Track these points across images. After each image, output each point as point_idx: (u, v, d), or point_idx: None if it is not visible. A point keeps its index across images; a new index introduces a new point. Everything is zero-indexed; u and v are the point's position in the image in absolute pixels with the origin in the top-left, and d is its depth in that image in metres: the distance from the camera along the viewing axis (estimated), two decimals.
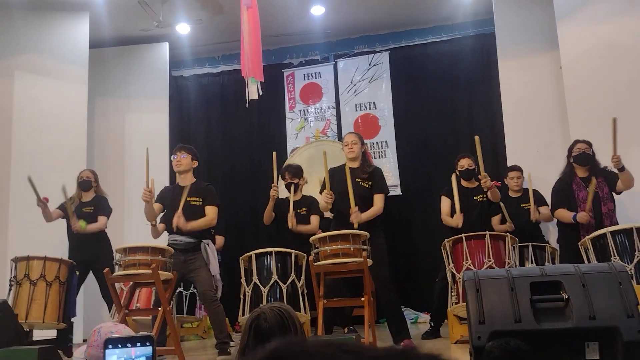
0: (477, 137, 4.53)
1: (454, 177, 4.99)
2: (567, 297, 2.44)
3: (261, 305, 1.96)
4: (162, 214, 4.70)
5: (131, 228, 6.53)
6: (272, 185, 5.12)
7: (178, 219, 4.40)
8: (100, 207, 5.50)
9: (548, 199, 5.37)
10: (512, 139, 6.29)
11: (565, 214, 4.73)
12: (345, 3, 6.82)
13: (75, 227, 5.22)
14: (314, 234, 5.11)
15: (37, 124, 6.36)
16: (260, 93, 3.89)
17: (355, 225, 4.41)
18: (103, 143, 7.13)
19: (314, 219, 5.15)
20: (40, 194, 5.19)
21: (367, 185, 4.72)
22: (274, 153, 5.20)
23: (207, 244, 4.56)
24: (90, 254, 5.24)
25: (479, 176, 4.71)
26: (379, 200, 4.67)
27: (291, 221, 4.88)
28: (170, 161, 4.88)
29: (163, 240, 4.75)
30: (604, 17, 5.65)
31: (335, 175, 4.69)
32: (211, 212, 4.57)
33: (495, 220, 5.27)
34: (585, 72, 5.64)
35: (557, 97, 6.12)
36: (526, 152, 6.12)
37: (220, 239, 6.33)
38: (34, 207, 5.39)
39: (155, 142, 7.02)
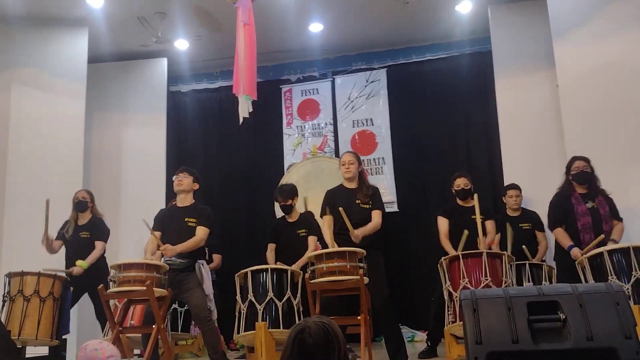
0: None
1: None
2: (564, 317, 2.42)
3: (305, 318, 1.92)
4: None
5: (127, 244, 6.49)
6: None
7: (165, 250, 4.37)
8: (97, 231, 5.44)
9: (543, 216, 5.37)
10: (508, 157, 6.29)
11: (563, 239, 4.62)
12: (343, 20, 6.86)
13: (76, 271, 5.15)
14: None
15: (33, 137, 6.35)
16: (251, 110, 3.88)
17: (357, 241, 4.38)
18: (99, 157, 7.12)
19: (312, 241, 5.12)
20: (38, 214, 5.16)
21: (367, 207, 4.70)
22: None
23: (202, 264, 4.53)
24: (85, 272, 5.19)
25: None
26: (376, 215, 4.66)
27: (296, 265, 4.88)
28: (168, 179, 4.87)
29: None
30: (600, 37, 5.68)
31: (334, 195, 4.68)
32: (200, 232, 4.53)
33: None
34: (582, 90, 5.66)
35: (553, 115, 6.13)
36: (523, 169, 6.12)
37: (217, 258, 6.30)
38: (29, 223, 5.38)
39: (152, 157, 7.04)
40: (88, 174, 6.77)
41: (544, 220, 5.32)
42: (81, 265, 5.17)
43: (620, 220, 4.67)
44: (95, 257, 5.30)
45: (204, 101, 8.04)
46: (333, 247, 4.33)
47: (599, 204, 4.61)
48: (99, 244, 5.39)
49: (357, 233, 4.41)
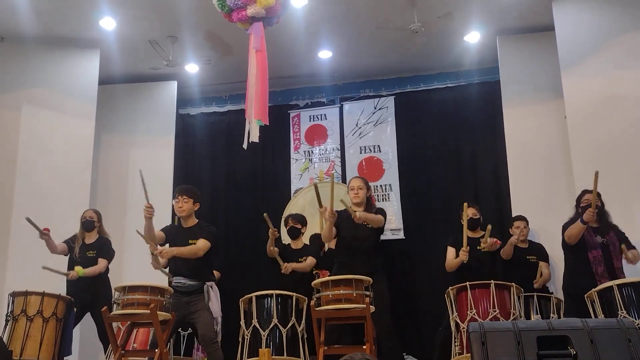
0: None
1: (465, 221, 4.95)
2: (575, 352, 2.38)
3: (350, 354, 1.93)
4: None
5: (131, 266, 6.47)
6: (268, 247, 5.09)
7: (161, 254, 4.36)
8: (103, 251, 5.45)
9: (550, 250, 5.34)
10: (516, 187, 6.27)
11: (574, 225, 4.58)
12: (352, 48, 6.92)
13: (72, 276, 5.14)
14: (308, 272, 5.10)
15: (42, 157, 6.38)
16: (258, 135, 3.91)
17: (359, 215, 4.41)
18: (107, 178, 7.14)
19: (309, 259, 5.14)
20: (42, 227, 5.16)
21: (372, 227, 4.71)
22: (265, 215, 5.18)
23: (210, 286, 4.51)
24: (89, 293, 5.16)
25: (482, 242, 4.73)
26: (379, 215, 4.71)
27: (286, 269, 4.88)
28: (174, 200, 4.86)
29: (164, 280, 4.70)
30: (608, 68, 5.70)
31: (340, 218, 4.67)
32: (200, 243, 4.48)
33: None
34: (590, 122, 5.66)
35: (561, 146, 6.13)
36: (530, 200, 6.10)
37: (216, 274, 6.27)
38: (34, 243, 5.35)
39: (160, 179, 7.05)
40: (95, 194, 6.78)
41: (551, 252, 5.29)
42: (78, 271, 5.13)
43: (634, 248, 4.63)
44: (94, 271, 5.27)
45: (212, 124, 8.08)
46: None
47: (609, 240, 4.58)
48: (102, 261, 5.38)
49: (359, 215, 4.42)
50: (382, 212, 4.82)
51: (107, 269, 5.46)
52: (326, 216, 4.53)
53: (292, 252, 5.25)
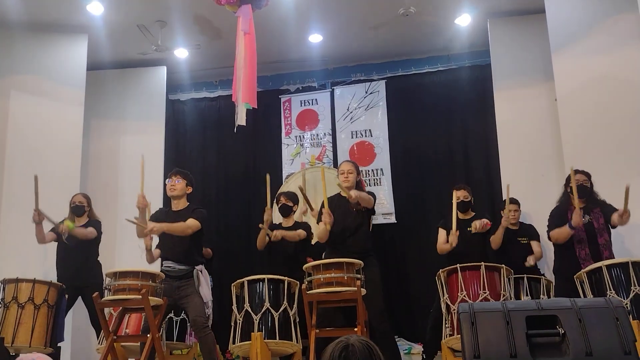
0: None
1: (455, 202, 4.97)
2: (563, 332, 2.40)
3: (345, 336, 1.92)
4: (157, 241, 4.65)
5: (123, 252, 6.47)
6: (266, 209, 5.10)
7: (151, 230, 4.33)
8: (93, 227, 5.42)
9: (542, 231, 5.36)
10: (507, 170, 6.28)
11: (561, 230, 4.65)
12: (342, 32, 6.88)
13: (62, 229, 5.08)
14: (300, 239, 5.10)
15: (31, 144, 6.34)
16: (244, 118, 3.89)
17: (354, 197, 4.43)
18: (97, 164, 7.10)
19: (300, 230, 5.14)
20: (30, 213, 5.12)
21: (362, 210, 4.71)
22: (268, 175, 5.16)
23: (200, 271, 4.51)
24: (80, 278, 5.15)
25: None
26: (370, 196, 4.73)
27: (275, 237, 4.91)
28: (165, 187, 4.83)
29: (156, 267, 4.70)
30: (598, 51, 5.70)
31: (331, 205, 4.67)
32: (189, 221, 4.44)
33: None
34: (580, 104, 5.67)
35: (552, 128, 6.14)
36: (521, 183, 6.11)
37: (206, 252, 6.24)
38: (25, 229, 5.33)
39: (150, 165, 6.97)
40: (85, 180, 6.74)
41: (542, 233, 5.32)
42: (68, 225, 5.10)
43: None
44: (84, 233, 5.23)
45: (203, 110, 8.04)
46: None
47: (593, 217, 4.62)
48: (91, 229, 5.32)
49: (353, 193, 4.43)
50: (372, 195, 4.84)
51: (97, 253, 5.43)
52: (327, 220, 4.53)
53: (283, 230, 5.25)
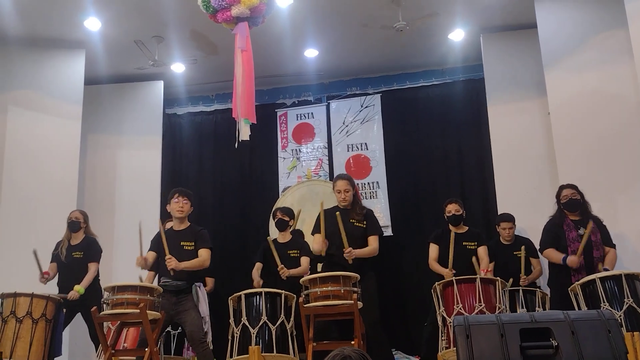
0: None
1: (452, 234, 4.99)
2: (556, 344, 2.44)
3: (340, 348, 1.96)
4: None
5: (120, 266, 6.48)
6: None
7: (170, 261, 4.37)
8: (90, 252, 5.43)
9: (536, 242, 5.40)
10: (501, 184, 6.35)
11: (554, 255, 4.73)
12: (338, 46, 6.96)
13: (72, 296, 5.12)
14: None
15: (29, 159, 6.37)
16: (249, 134, 3.94)
17: (350, 261, 4.42)
18: (94, 179, 7.13)
19: (304, 261, 5.15)
20: (31, 234, 5.15)
21: (362, 225, 4.74)
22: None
23: (199, 287, 4.54)
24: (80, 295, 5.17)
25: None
26: (374, 241, 4.70)
27: (283, 273, 4.90)
28: (162, 201, 4.86)
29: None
30: (590, 66, 5.79)
31: (328, 218, 4.70)
32: (204, 253, 4.55)
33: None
34: (573, 118, 5.75)
35: (545, 142, 6.21)
36: (516, 196, 6.18)
37: (210, 281, 6.29)
38: (22, 243, 5.36)
39: (147, 179, 7.06)
40: (82, 195, 6.77)
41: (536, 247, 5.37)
42: (78, 290, 5.13)
43: (613, 246, 4.73)
44: (90, 280, 5.28)
45: (199, 124, 8.08)
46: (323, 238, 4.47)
47: (591, 232, 4.66)
48: (92, 266, 5.38)
49: (354, 252, 4.46)
50: (371, 214, 4.85)
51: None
52: (321, 248, 4.59)
53: (280, 245, 5.26)
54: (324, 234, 4.60)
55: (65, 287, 5.24)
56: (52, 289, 5.27)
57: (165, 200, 5.00)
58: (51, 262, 5.40)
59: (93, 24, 6.23)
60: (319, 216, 4.72)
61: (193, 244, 4.57)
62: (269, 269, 5.17)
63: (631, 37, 5.28)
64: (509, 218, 5.61)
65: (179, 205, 4.62)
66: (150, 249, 4.58)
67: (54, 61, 6.66)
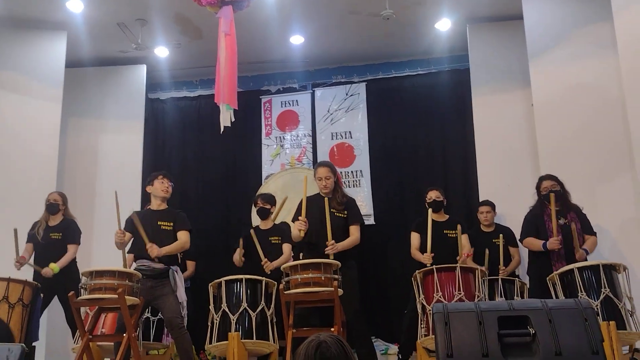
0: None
1: (430, 213, 5.00)
2: (534, 332, 2.45)
3: (316, 334, 1.94)
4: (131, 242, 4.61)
5: (100, 251, 6.42)
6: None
7: (151, 249, 4.33)
8: (69, 233, 5.38)
9: (516, 232, 5.44)
10: (484, 173, 6.38)
11: (534, 242, 4.77)
12: (324, 34, 6.92)
13: (46, 273, 5.08)
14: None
15: (8, 140, 6.27)
16: (233, 120, 3.90)
17: (331, 257, 4.41)
18: (75, 162, 7.04)
19: (286, 248, 5.12)
20: (11, 216, 5.07)
21: (342, 215, 4.73)
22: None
23: (176, 271, 4.50)
24: (56, 277, 5.11)
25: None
26: (355, 230, 4.69)
27: (267, 268, 4.87)
28: (143, 186, 4.82)
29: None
30: (574, 59, 5.83)
31: (310, 205, 4.68)
32: (183, 236, 4.52)
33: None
34: (556, 110, 5.78)
35: (528, 133, 6.25)
36: (497, 186, 6.21)
37: (191, 265, 6.25)
38: (1, 226, 5.27)
39: (129, 164, 6.99)
40: (62, 178, 6.68)
41: (517, 236, 5.40)
42: (53, 268, 5.09)
43: (594, 234, 4.77)
44: (67, 260, 5.23)
45: (182, 109, 8.01)
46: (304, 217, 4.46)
47: (570, 220, 4.71)
48: (71, 247, 5.33)
49: (334, 249, 4.44)
50: (352, 204, 4.84)
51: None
52: (301, 227, 4.55)
53: (261, 232, 5.24)
54: (304, 213, 4.58)
55: (41, 267, 5.17)
56: (28, 273, 5.21)
57: (145, 185, 4.92)
58: (27, 242, 5.32)
59: (75, 5, 6.12)
60: (300, 202, 4.70)
61: (171, 225, 4.53)
62: (250, 257, 5.14)
63: (616, 31, 5.30)
64: (487, 202, 5.70)
65: (165, 186, 4.61)
66: (125, 229, 4.53)
67: (34, 42, 6.55)
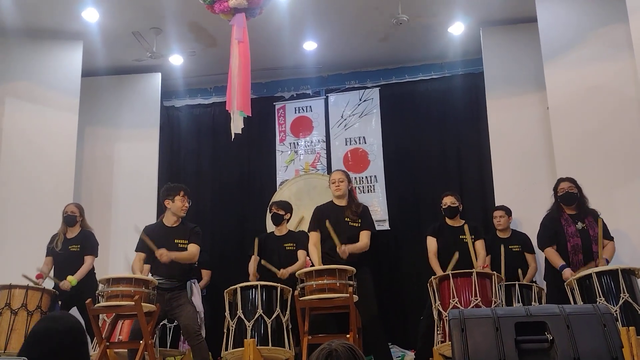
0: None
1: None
2: (551, 338, 2.43)
3: (328, 342, 1.93)
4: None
5: (117, 259, 6.46)
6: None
7: (161, 255, 4.35)
8: (87, 244, 5.41)
9: (533, 237, 5.39)
10: (499, 178, 6.33)
11: (554, 259, 4.65)
12: (337, 39, 6.92)
13: (64, 286, 5.09)
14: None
15: (25, 150, 6.34)
16: (242, 126, 3.92)
17: (344, 257, 4.41)
18: (91, 171, 7.10)
19: (301, 254, 5.12)
20: (29, 226, 5.11)
21: (356, 225, 4.74)
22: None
23: (193, 283, 4.55)
24: (74, 289, 5.14)
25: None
26: (364, 236, 4.70)
27: (282, 276, 4.88)
28: (159, 194, 4.85)
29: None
30: (589, 61, 5.77)
31: (323, 212, 4.70)
32: (193, 248, 4.56)
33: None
34: (572, 113, 5.73)
35: (544, 137, 6.19)
36: (513, 191, 6.16)
37: (206, 274, 6.28)
38: (19, 236, 5.33)
39: (144, 172, 7.04)
40: (79, 187, 6.74)
41: (534, 241, 5.35)
42: (71, 281, 5.12)
43: (612, 239, 4.71)
44: (84, 272, 5.26)
45: (197, 116, 8.06)
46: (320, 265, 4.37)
47: (588, 225, 4.65)
48: (88, 259, 5.36)
49: (344, 249, 4.45)
50: (366, 213, 4.85)
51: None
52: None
53: (275, 239, 5.25)
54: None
55: (61, 276, 5.21)
56: (48, 282, 5.25)
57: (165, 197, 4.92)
58: (46, 255, 5.38)
59: (91, 15, 6.19)
60: (314, 212, 4.72)
61: (186, 242, 4.58)
62: (267, 259, 5.15)
63: (631, 32, 5.24)
64: (501, 207, 5.68)
65: (184, 204, 4.66)
66: (138, 250, 4.56)
67: (51, 52, 6.63)
